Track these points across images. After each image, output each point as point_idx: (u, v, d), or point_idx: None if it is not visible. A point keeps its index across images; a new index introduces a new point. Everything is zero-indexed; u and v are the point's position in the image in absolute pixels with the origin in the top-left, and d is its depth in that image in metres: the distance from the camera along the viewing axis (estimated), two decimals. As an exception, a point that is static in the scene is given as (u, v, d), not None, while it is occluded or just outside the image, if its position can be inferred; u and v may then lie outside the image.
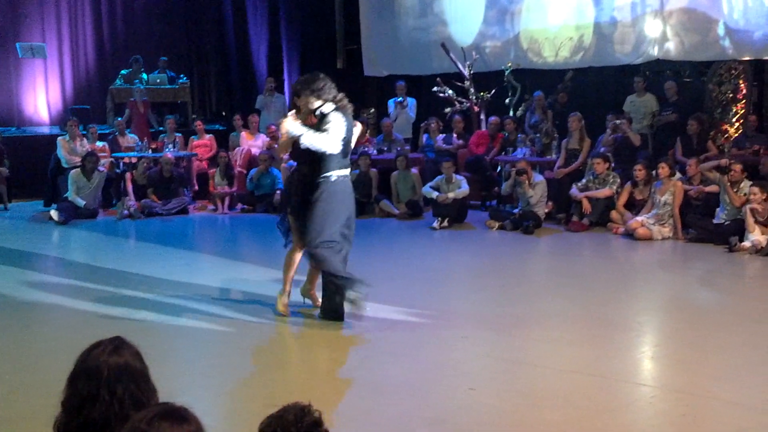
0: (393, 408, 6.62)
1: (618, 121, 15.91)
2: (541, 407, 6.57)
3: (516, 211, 15.06)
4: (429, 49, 20.31)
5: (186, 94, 22.05)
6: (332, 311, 9.11)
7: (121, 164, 18.34)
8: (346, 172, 9.10)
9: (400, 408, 6.61)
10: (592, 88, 18.81)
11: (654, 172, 14.24)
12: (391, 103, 19.76)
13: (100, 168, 17.14)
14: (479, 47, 19.28)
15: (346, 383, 7.24)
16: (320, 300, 9.32)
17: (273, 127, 17.72)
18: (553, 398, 6.78)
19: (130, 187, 17.21)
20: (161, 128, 20.11)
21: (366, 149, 17.63)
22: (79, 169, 16.85)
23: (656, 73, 17.92)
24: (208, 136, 19.77)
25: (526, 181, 14.79)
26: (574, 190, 14.93)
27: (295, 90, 9.37)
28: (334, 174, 8.84)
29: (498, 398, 6.80)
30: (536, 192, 14.79)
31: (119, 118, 19.80)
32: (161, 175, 17.25)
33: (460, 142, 18.07)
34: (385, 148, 18.11)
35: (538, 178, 15.18)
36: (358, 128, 9.39)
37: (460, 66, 18.77)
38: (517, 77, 18.53)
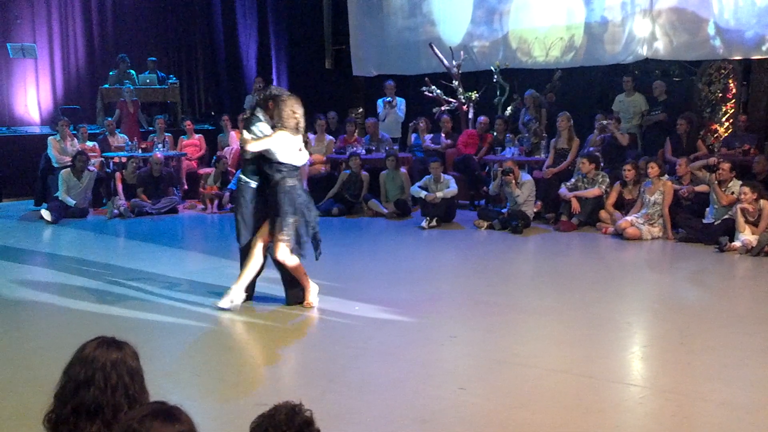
0: (381, 407, 6.63)
1: (605, 122, 15.93)
2: (530, 407, 6.57)
3: (504, 210, 15.07)
4: (418, 49, 20.35)
5: (175, 95, 22.06)
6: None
7: (111, 164, 18.34)
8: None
9: (388, 407, 6.61)
10: (580, 88, 18.86)
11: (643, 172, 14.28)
12: (380, 102, 19.75)
13: (90, 167, 17.15)
14: (467, 47, 19.33)
15: (334, 382, 7.22)
16: None
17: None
18: (541, 398, 6.78)
19: (119, 186, 17.22)
20: (151, 128, 20.13)
21: (355, 149, 17.64)
22: (69, 169, 16.86)
23: (645, 72, 17.95)
24: (197, 135, 19.82)
25: (513, 181, 14.79)
26: (563, 190, 14.94)
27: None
28: None
29: (486, 398, 6.80)
30: (523, 191, 14.79)
31: (109, 118, 19.78)
32: (151, 175, 17.26)
33: (449, 141, 18.07)
34: (374, 148, 18.10)
35: (526, 177, 15.17)
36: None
37: (449, 65, 18.79)
38: (505, 77, 18.54)
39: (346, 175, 16.89)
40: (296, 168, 9.56)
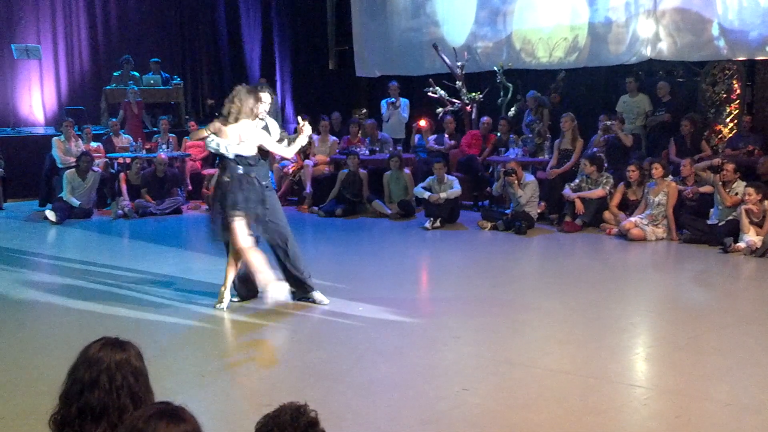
0: (385, 408, 6.64)
1: (609, 122, 15.90)
2: (533, 408, 6.57)
3: (508, 211, 15.05)
4: (421, 50, 20.37)
5: (179, 95, 22.07)
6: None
7: (116, 164, 18.32)
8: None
9: (391, 408, 6.62)
10: (584, 89, 18.83)
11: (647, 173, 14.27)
12: (383, 103, 19.75)
13: (95, 168, 17.17)
14: (471, 47, 19.33)
15: (338, 382, 7.23)
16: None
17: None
18: (545, 399, 6.78)
19: (124, 187, 17.20)
20: (155, 129, 20.16)
21: (356, 149, 17.64)
22: (73, 169, 16.88)
23: (649, 73, 17.94)
24: (201, 136, 19.79)
25: (516, 182, 14.76)
26: (567, 191, 14.92)
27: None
28: None
29: (490, 399, 6.81)
30: (526, 192, 14.76)
31: (113, 119, 19.78)
32: (155, 176, 17.26)
33: (452, 142, 18.07)
34: (377, 149, 18.09)
35: (529, 177, 15.14)
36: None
37: (452, 66, 18.78)
38: (509, 78, 18.53)
39: (344, 174, 16.89)
40: (239, 162, 9.29)
